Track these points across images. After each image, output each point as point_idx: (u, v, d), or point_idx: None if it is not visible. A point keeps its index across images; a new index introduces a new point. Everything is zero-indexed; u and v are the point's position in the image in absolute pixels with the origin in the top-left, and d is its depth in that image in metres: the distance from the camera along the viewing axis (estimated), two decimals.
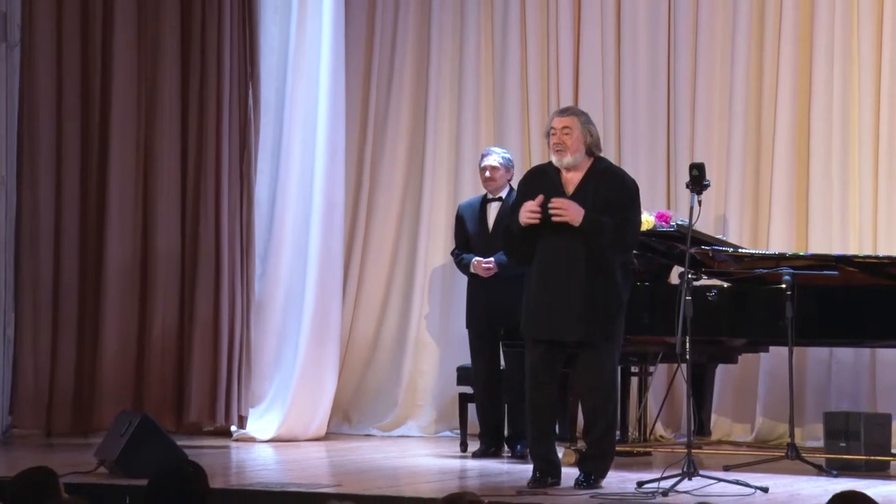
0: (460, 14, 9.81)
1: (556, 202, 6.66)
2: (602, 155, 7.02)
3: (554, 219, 6.65)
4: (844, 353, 8.80)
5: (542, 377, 6.81)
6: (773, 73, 9.10)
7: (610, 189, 6.80)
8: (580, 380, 7.04)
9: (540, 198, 6.74)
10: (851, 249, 8.67)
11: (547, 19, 9.61)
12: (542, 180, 6.91)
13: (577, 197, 6.76)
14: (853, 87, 8.91)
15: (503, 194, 8.39)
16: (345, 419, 9.81)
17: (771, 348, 8.47)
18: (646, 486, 6.57)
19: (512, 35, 9.69)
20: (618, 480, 6.84)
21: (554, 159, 6.88)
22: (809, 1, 9.00)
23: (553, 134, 6.85)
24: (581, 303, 6.70)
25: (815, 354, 8.83)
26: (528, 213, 6.73)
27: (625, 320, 6.93)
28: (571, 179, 6.84)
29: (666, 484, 6.50)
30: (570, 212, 6.64)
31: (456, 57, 9.83)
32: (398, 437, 9.58)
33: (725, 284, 8.00)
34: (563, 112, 7.03)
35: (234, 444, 9.06)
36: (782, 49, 9.05)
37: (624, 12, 9.44)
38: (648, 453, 8.35)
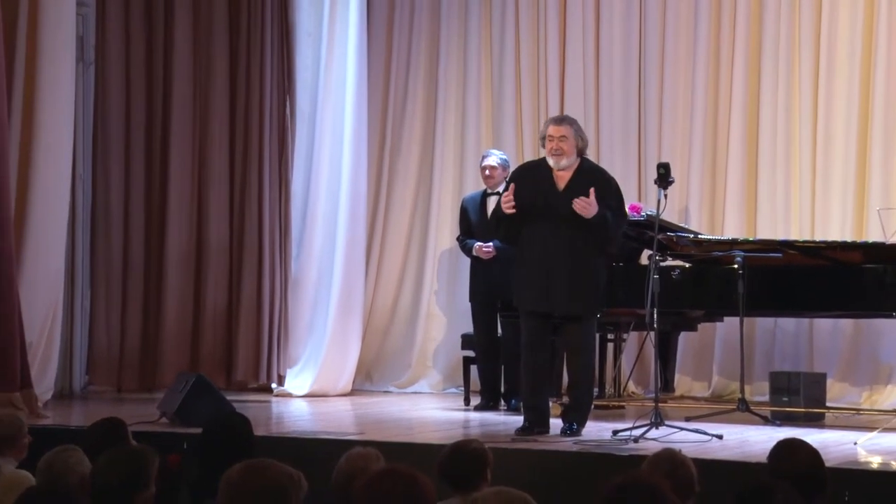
0: (464, 38, 9.83)
1: (582, 201, 6.53)
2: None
3: (576, 207, 6.53)
4: (787, 322, 8.79)
5: (537, 343, 6.78)
6: (727, 87, 9.09)
7: (597, 187, 6.66)
8: (566, 346, 7.01)
9: (512, 187, 6.67)
10: (793, 235, 8.66)
11: (537, 42, 9.61)
12: (536, 175, 6.81)
13: (568, 192, 6.67)
14: (794, 101, 8.91)
15: (500, 189, 8.36)
16: (367, 378, 9.81)
17: (725, 318, 8.45)
18: (620, 433, 6.56)
19: (508, 55, 9.69)
20: (596, 429, 6.83)
21: (551, 161, 6.74)
22: (758, 28, 9.00)
23: (550, 140, 6.71)
24: (571, 283, 6.66)
25: (762, 323, 8.83)
26: (506, 204, 6.65)
27: (602, 295, 6.91)
28: (562, 177, 6.74)
29: (637, 432, 6.50)
30: (590, 208, 6.55)
31: (460, 73, 9.84)
32: (412, 393, 9.58)
33: (687, 265, 7.98)
34: (560, 121, 6.84)
35: (274, 399, 9.07)
36: (735, 67, 9.04)
37: (602, 36, 9.45)
38: (622, 407, 8.34)
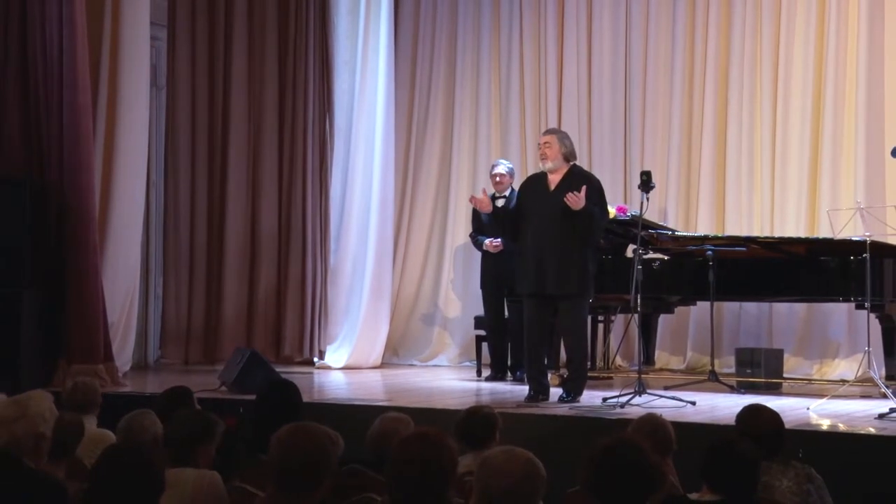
0: (476, 65, 9.87)
1: (573, 195, 6.58)
2: (576, 162, 6.98)
3: (567, 201, 6.57)
4: (750, 306, 8.78)
5: (536, 322, 6.77)
6: (699, 107, 9.09)
7: (581, 187, 6.69)
8: (562, 325, 6.99)
9: (484, 191, 7.07)
10: (755, 231, 8.64)
11: (538, 68, 9.63)
12: (536, 181, 6.94)
13: (557, 192, 6.72)
14: (756, 119, 8.90)
15: (507, 193, 8.37)
16: (394, 353, 9.82)
17: (698, 302, 8.43)
18: (608, 400, 6.54)
19: (513, 79, 9.70)
20: (588, 397, 6.81)
21: (540, 164, 6.92)
22: (725, 58, 8.99)
23: (539, 147, 6.94)
24: (561, 267, 6.66)
25: (729, 307, 8.81)
26: (481, 205, 7.12)
27: (593, 283, 6.90)
28: (554, 180, 6.81)
29: (623, 399, 6.48)
30: (579, 202, 6.59)
31: (473, 95, 9.87)
32: (432, 366, 9.60)
33: (666, 257, 7.98)
34: (546, 132, 7.14)
35: (316, 371, 9.07)
36: (706, 90, 9.04)
37: (593, 63, 9.46)
38: (610, 377, 8.32)
